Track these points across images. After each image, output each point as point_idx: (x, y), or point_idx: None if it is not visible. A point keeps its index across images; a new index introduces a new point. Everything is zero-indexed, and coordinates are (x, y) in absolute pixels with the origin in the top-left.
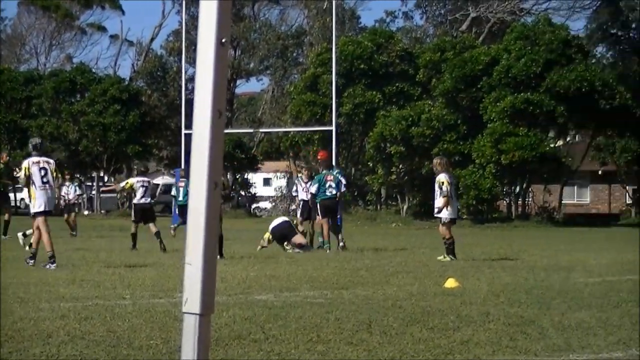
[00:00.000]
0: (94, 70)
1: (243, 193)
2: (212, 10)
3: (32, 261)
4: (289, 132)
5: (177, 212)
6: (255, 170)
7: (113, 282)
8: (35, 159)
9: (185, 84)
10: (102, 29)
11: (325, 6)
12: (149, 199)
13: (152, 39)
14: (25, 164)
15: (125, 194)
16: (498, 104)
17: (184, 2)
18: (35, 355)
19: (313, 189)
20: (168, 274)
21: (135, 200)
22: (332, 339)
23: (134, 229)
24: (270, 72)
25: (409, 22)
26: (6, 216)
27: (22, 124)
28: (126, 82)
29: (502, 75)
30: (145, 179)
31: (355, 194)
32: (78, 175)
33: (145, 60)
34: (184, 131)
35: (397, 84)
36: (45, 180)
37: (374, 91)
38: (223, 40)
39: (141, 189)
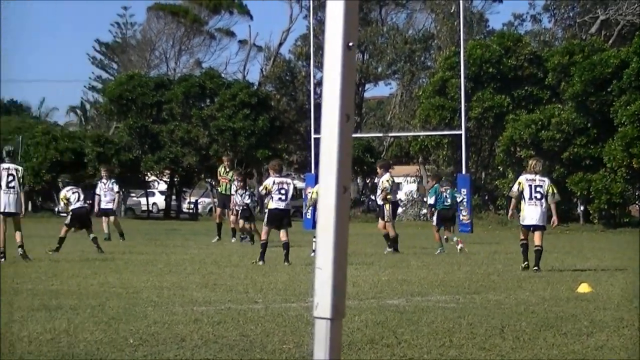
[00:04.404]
0: (223, 75)
1: (373, 197)
2: (339, 13)
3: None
4: (418, 136)
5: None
6: None
7: (245, 286)
8: (5, 165)
9: (314, 88)
10: (230, 34)
11: (452, 9)
12: None
13: (280, 44)
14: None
15: None
16: (628, 107)
17: (311, 7)
18: (170, 358)
19: (431, 200)
20: (300, 278)
21: None
22: (464, 344)
23: None
24: (398, 76)
25: (537, 25)
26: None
27: (153, 128)
28: (255, 87)
29: (633, 79)
30: None
31: (486, 198)
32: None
33: (274, 64)
34: (313, 135)
35: (526, 88)
36: (11, 185)
37: (503, 95)
38: (350, 44)
39: None
